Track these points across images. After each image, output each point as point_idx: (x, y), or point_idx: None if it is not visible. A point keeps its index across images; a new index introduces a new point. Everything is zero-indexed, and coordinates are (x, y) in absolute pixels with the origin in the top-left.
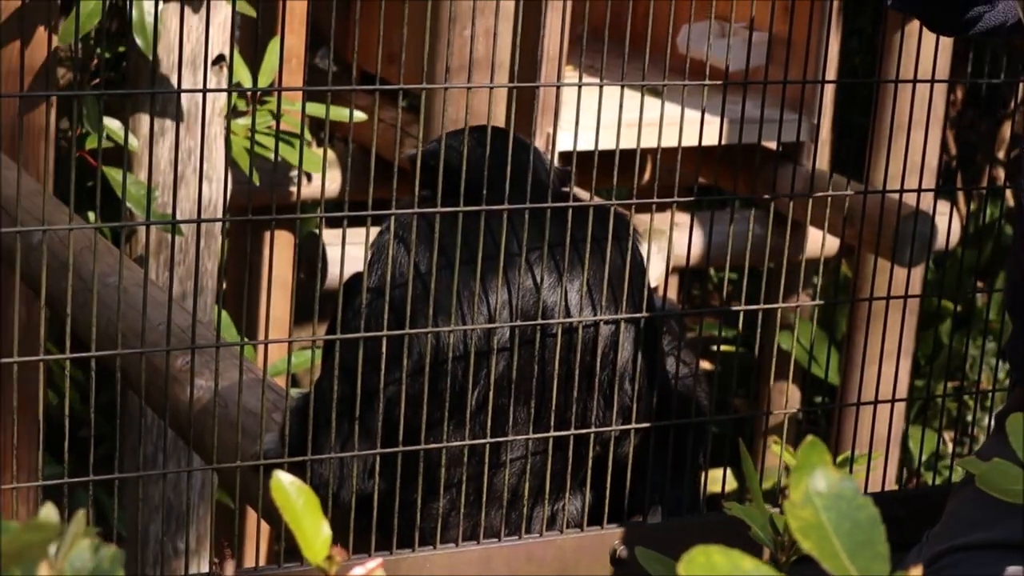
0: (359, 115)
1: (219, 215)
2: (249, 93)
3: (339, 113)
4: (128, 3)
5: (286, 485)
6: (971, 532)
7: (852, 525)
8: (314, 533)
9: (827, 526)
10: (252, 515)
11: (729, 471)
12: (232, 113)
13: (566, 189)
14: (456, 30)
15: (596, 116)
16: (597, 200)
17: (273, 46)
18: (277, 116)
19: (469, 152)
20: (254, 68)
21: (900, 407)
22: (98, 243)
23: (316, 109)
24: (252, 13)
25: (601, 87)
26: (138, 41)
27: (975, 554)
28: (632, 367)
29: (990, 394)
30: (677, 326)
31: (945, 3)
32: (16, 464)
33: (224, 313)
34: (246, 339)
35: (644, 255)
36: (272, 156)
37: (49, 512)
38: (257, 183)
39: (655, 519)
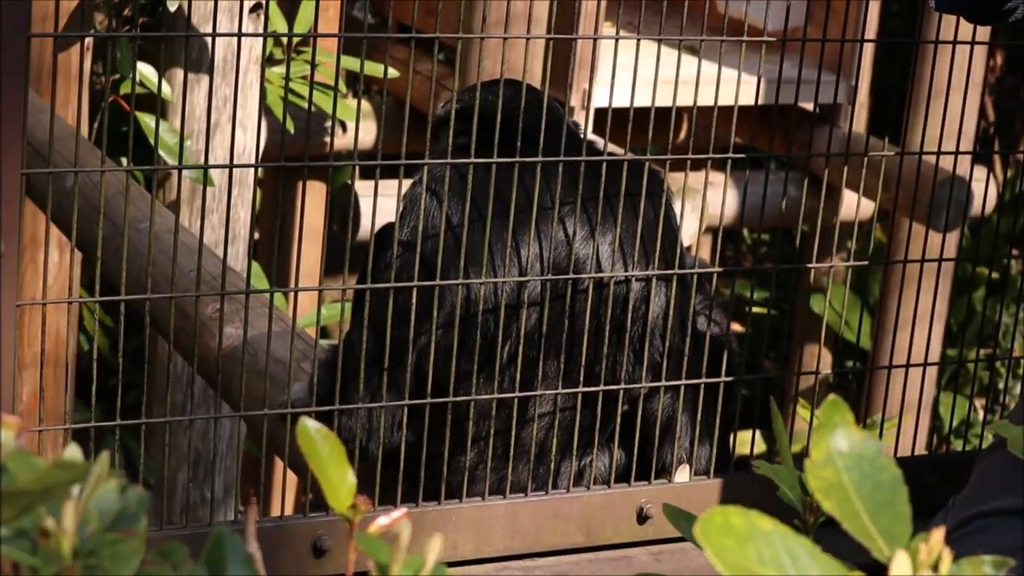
0: (392, 72)
1: (252, 163)
2: (284, 41)
3: (374, 68)
4: None
5: (312, 432)
6: (999, 497)
7: (874, 485)
8: (339, 481)
9: (848, 486)
10: (279, 465)
11: (758, 433)
12: (267, 62)
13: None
14: None
15: (632, 72)
16: (631, 155)
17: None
18: (312, 64)
19: (504, 104)
20: (291, 19)
21: (931, 373)
22: (130, 188)
23: (351, 62)
24: None
25: (638, 42)
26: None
27: (1003, 519)
28: (663, 323)
29: (1023, 362)
30: (709, 285)
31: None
32: (44, 408)
33: (255, 264)
34: (276, 288)
35: (677, 213)
36: (306, 105)
37: (74, 452)
38: (292, 131)
39: (683, 478)
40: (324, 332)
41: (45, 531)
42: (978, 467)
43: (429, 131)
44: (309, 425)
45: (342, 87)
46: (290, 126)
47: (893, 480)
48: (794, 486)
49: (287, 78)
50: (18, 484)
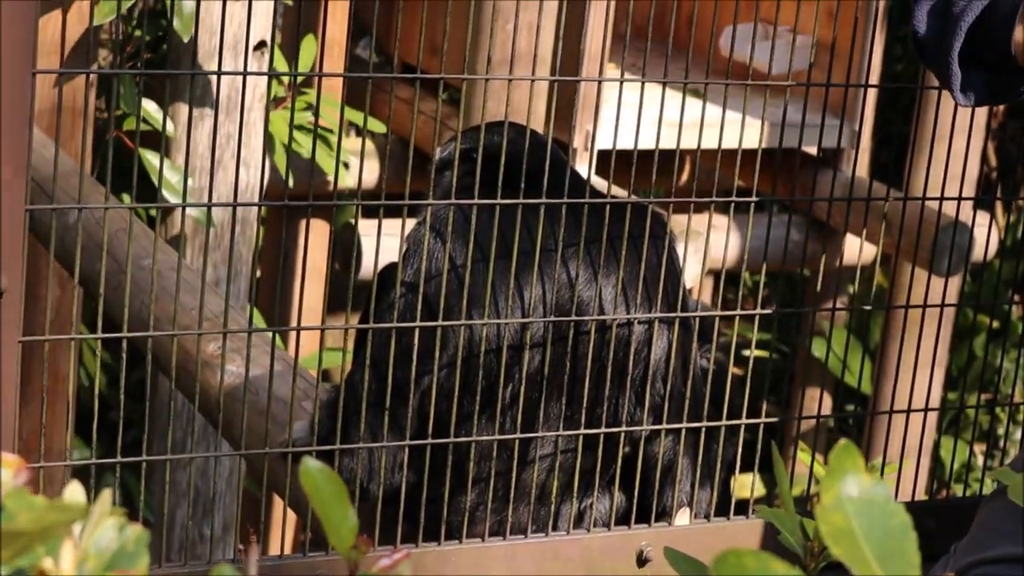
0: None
1: (255, 202)
2: (288, 82)
3: (376, 124)
4: None
5: (315, 471)
6: (1000, 545)
7: (883, 532)
8: (341, 521)
9: (858, 532)
10: (279, 503)
11: (758, 477)
12: (271, 103)
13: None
14: (499, 23)
15: (636, 115)
16: (634, 198)
17: (310, 38)
18: (315, 111)
19: (507, 145)
20: (294, 58)
21: (932, 418)
22: (133, 225)
23: (354, 116)
24: (290, 1)
25: (643, 85)
26: (175, 22)
27: (1003, 567)
28: (665, 366)
29: (1023, 407)
30: (711, 329)
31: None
32: (44, 444)
33: (256, 310)
34: (278, 326)
35: (680, 255)
36: (308, 155)
37: (75, 492)
38: (291, 184)
39: (683, 521)
40: (325, 375)
41: (43, 572)
42: (980, 514)
43: (433, 171)
44: (312, 465)
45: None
46: (291, 181)
47: (902, 526)
48: (795, 530)
49: (291, 126)
50: (17, 523)
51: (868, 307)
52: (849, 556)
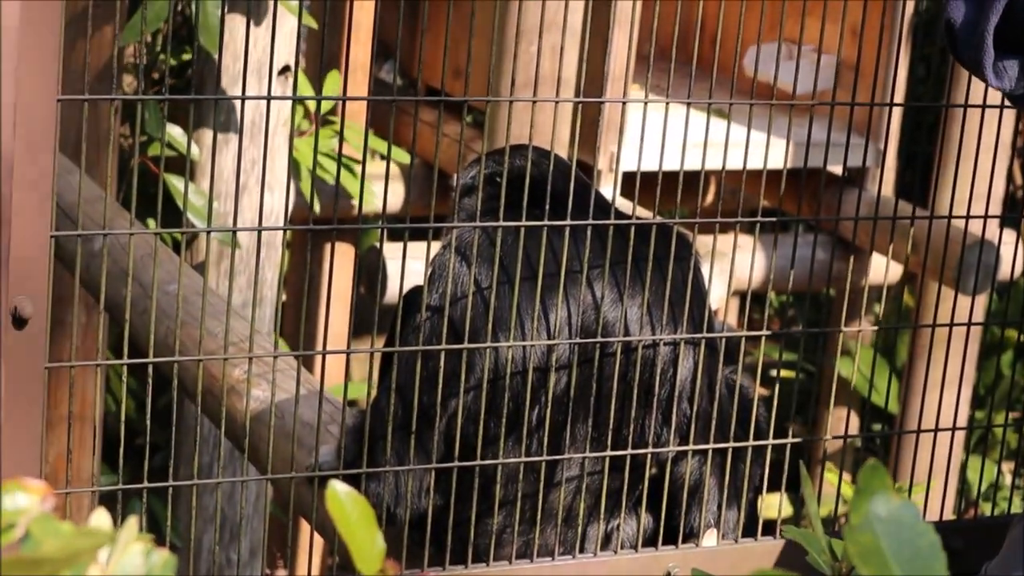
0: (401, 155)
1: (280, 226)
2: (312, 111)
3: (400, 154)
4: (195, 7)
5: (341, 496)
6: None
7: (912, 552)
8: (368, 545)
9: (887, 552)
10: (305, 528)
11: (784, 497)
12: (295, 134)
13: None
14: (522, 46)
15: (661, 135)
16: (659, 219)
17: (334, 74)
18: (340, 136)
19: (532, 167)
20: (320, 83)
21: (959, 437)
22: (158, 250)
23: (379, 144)
24: (315, 25)
25: (667, 105)
26: (202, 40)
27: None
28: (691, 387)
29: None
30: (737, 350)
31: None
32: (71, 470)
33: (279, 336)
34: (304, 350)
35: (705, 276)
36: (332, 180)
37: (101, 518)
38: (317, 211)
39: (710, 542)
40: (351, 400)
41: None
42: (1011, 533)
43: (456, 194)
44: (339, 489)
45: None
46: (316, 207)
47: (931, 546)
48: (823, 551)
49: (315, 152)
50: (43, 550)
51: (895, 327)
52: None
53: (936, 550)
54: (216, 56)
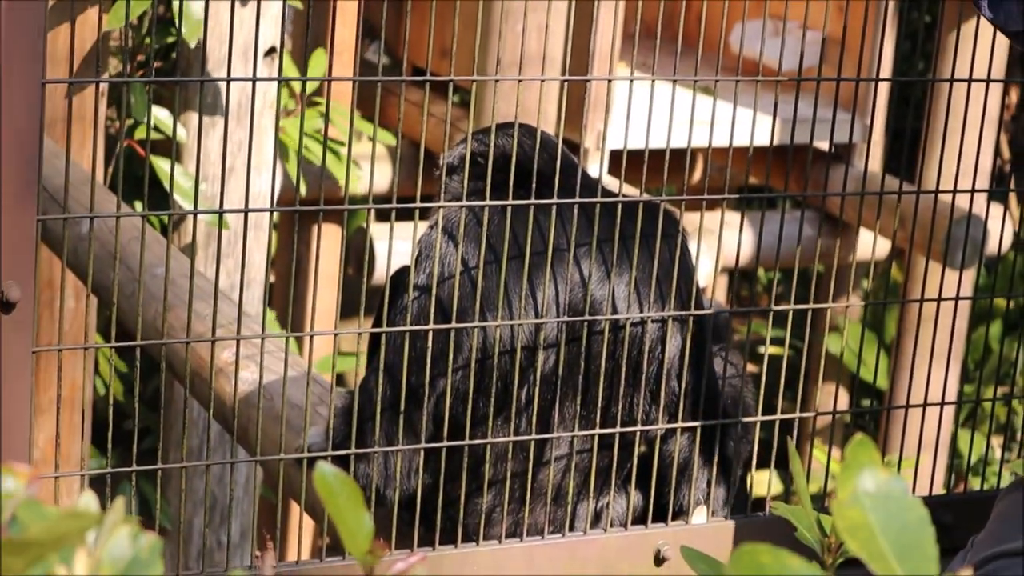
0: (386, 136)
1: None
2: (297, 91)
3: (385, 136)
4: None
5: (330, 477)
6: (1018, 538)
7: (900, 526)
8: (356, 526)
9: (874, 527)
10: (295, 510)
11: (774, 474)
12: (281, 113)
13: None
14: (508, 25)
15: (647, 113)
16: (646, 197)
17: (320, 52)
18: (326, 118)
19: (518, 146)
20: (304, 68)
21: (948, 411)
22: (146, 233)
23: (364, 126)
24: (300, 6)
25: (653, 83)
26: (183, 28)
27: (1021, 560)
28: (679, 364)
29: None
30: (724, 326)
31: None
32: (60, 454)
33: (270, 313)
34: (292, 331)
35: (693, 253)
36: (319, 162)
37: (89, 501)
38: (304, 192)
39: (699, 519)
40: (339, 380)
41: None
42: (997, 507)
43: (442, 173)
44: (326, 470)
45: (357, 130)
46: (303, 189)
47: (920, 521)
48: (812, 527)
49: (301, 133)
50: (30, 533)
51: (883, 302)
52: (867, 551)
53: (925, 524)
54: (193, 46)
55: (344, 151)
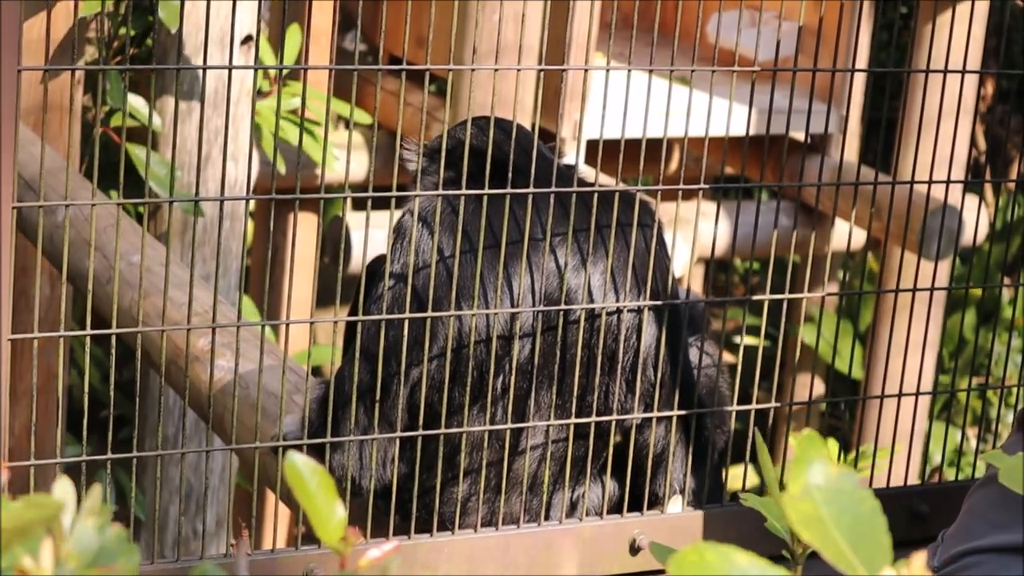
0: (363, 117)
1: (243, 196)
2: (274, 74)
3: (362, 116)
4: None
5: (300, 466)
6: (991, 534)
7: (853, 518)
8: (328, 514)
9: (827, 519)
10: (271, 498)
11: (751, 466)
12: (256, 95)
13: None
14: (485, 14)
15: (623, 103)
16: (622, 186)
17: (294, 28)
18: (302, 101)
19: (493, 137)
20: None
21: (924, 402)
22: (121, 221)
23: (341, 108)
24: None
25: (629, 73)
26: (161, 13)
27: (995, 556)
28: (655, 353)
29: (1015, 390)
30: (700, 316)
31: None
32: (35, 443)
33: (247, 299)
34: (268, 320)
35: (669, 243)
36: (295, 143)
37: (61, 489)
38: (283, 171)
39: (675, 508)
40: (316, 368)
41: (24, 571)
42: (968, 501)
43: (418, 169)
44: (297, 459)
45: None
46: (281, 166)
47: (872, 512)
48: (781, 517)
49: (277, 115)
50: None
51: (858, 292)
52: (820, 542)
53: (877, 515)
54: (174, 31)
55: (320, 132)
